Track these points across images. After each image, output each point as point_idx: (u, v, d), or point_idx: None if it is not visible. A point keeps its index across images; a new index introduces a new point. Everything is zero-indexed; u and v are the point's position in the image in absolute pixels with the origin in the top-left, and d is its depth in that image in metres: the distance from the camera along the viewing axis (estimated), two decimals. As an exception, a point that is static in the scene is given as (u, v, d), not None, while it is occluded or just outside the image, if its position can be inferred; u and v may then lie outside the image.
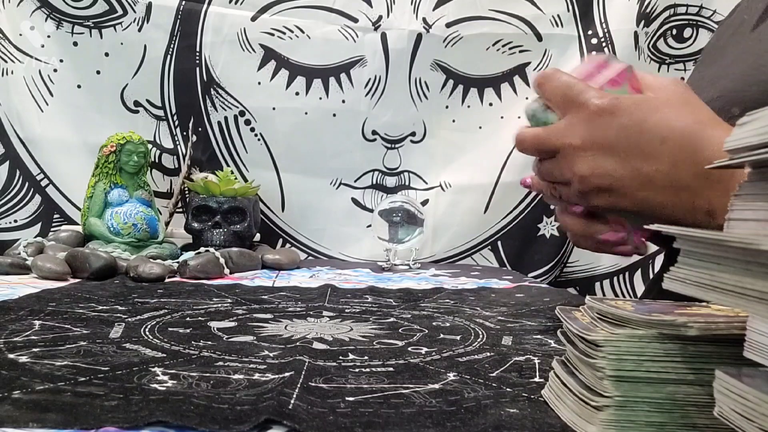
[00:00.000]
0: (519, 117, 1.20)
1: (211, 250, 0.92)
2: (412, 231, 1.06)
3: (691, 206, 0.44)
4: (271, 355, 0.44)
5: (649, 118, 0.47)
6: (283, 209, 1.22)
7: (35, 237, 0.97)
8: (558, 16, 1.18)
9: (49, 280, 0.78)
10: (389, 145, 1.21)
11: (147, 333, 0.50)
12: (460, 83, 1.20)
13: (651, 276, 1.22)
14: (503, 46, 1.19)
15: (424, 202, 1.21)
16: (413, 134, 1.21)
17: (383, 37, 1.16)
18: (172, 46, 1.15)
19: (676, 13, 1.18)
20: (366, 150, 1.21)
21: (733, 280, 0.24)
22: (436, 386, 0.38)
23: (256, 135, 1.19)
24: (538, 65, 1.20)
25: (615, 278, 1.26)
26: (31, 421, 0.30)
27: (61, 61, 1.15)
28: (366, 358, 0.45)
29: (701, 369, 0.28)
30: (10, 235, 1.13)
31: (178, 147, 1.19)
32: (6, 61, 1.13)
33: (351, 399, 0.35)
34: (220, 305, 0.65)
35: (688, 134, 0.47)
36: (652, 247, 0.67)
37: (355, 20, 1.16)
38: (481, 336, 0.53)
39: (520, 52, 1.19)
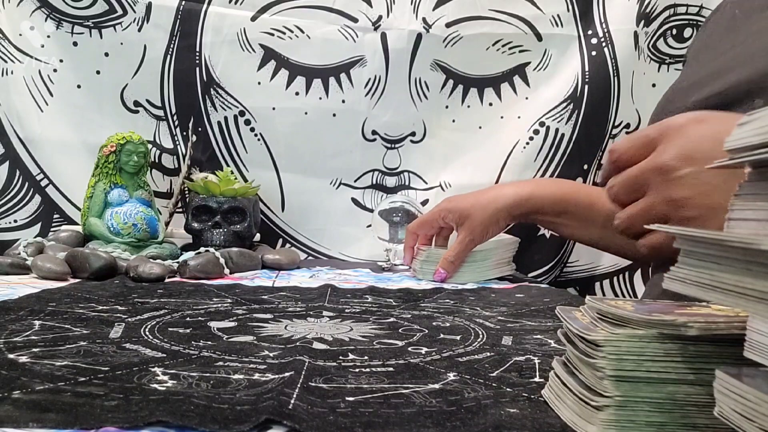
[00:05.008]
0: (519, 117, 1.21)
1: (211, 250, 0.92)
2: (412, 231, 1.06)
3: None
4: (271, 355, 0.44)
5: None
6: (283, 209, 1.22)
7: (35, 237, 0.97)
8: (558, 16, 1.18)
9: (49, 280, 0.78)
10: (389, 145, 1.21)
11: (147, 333, 0.50)
12: (460, 83, 1.20)
13: (651, 276, 1.22)
14: (503, 46, 1.19)
15: (424, 202, 1.21)
16: (413, 134, 1.21)
17: (383, 37, 1.16)
18: (171, 46, 1.15)
19: (676, 13, 1.18)
20: (366, 150, 1.21)
21: (733, 280, 0.24)
22: (436, 386, 0.38)
23: (256, 135, 1.19)
24: (538, 65, 1.20)
25: (615, 278, 1.26)
26: (31, 421, 0.30)
27: (61, 61, 1.14)
28: (366, 358, 0.45)
29: (701, 369, 0.28)
30: (10, 235, 1.13)
31: (178, 147, 1.19)
32: (6, 61, 1.13)
33: (351, 399, 0.35)
34: (220, 305, 0.65)
35: None
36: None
37: (355, 20, 1.16)
38: (481, 336, 0.53)
39: (520, 52, 1.19)
